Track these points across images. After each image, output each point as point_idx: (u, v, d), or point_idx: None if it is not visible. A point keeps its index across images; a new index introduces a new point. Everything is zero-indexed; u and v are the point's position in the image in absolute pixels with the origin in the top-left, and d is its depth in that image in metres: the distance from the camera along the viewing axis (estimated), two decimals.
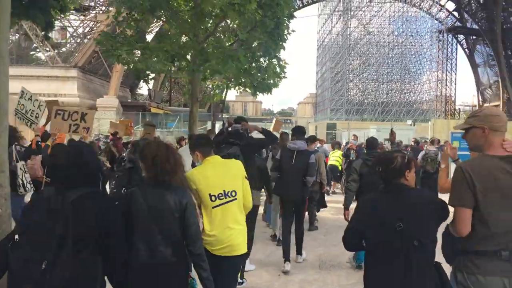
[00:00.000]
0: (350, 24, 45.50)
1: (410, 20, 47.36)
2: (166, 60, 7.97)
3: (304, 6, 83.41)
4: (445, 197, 2.96)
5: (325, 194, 10.65)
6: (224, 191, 3.88)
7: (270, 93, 10.62)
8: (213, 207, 3.84)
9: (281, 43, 8.34)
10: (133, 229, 2.96)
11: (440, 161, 5.03)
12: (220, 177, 3.93)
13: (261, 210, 8.21)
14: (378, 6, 47.19)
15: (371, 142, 7.25)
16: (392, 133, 13.36)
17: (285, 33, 8.53)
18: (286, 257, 6.58)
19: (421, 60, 49.18)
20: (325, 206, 10.29)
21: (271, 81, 9.50)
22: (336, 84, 45.98)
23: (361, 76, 49.29)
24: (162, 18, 8.87)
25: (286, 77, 10.06)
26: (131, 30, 8.68)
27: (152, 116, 36.15)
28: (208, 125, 28.52)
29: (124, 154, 7.62)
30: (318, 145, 15.78)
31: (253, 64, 8.96)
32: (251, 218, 5.57)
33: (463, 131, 2.97)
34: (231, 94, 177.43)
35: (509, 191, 2.64)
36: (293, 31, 9.19)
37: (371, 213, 3.06)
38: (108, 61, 38.74)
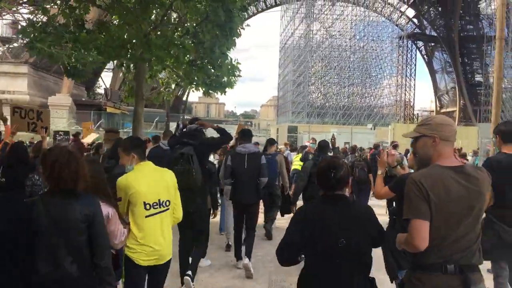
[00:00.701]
0: (313, 27, 45.45)
1: (371, 25, 47.83)
2: (104, 53, 7.16)
3: (267, 8, 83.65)
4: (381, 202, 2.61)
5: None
6: (159, 200, 3.74)
7: (224, 94, 9.96)
8: (146, 216, 3.68)
9: (233, 38, 7.63)
10: (36, 242, 2.74)
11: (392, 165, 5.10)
12: (155, 185, 3.76)
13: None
14: (340, 10, 47.39)
15: (323, 145, 7.45)
16: (332, 137, 13.65)
17: (239, 27, 7.87)
18: (238, 255, 6.54)
19: (382, 65, 49.74)
20: (289, 212, 9.57)
21: (225, 79, 8.80)
22: (298, 86, 45.83)
23: (322, 79, 49.38)
24: (102, 6, 7.96)
25: (241, 76, 9.42)
26: (66, 20, 7.78)
27: (108, 116, 34.88)
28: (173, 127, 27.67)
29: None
30: (283, 147, 15.36)
31: (205, 60, 8.26)
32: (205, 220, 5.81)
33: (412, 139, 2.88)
34: (194, 96, 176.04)
35: (461, 202, 2.57)
36: (247, 25, 8.64)
37: (310, 225, 2.89)
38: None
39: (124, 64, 8.34)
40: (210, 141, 6.02)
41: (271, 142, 8.78)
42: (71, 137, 14.92)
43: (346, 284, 2.83)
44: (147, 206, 3.68)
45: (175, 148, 5.38)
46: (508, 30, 54.72)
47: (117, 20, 8.00)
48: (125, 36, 7.71)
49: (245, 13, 8.06)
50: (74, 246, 2.77)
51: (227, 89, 9.72)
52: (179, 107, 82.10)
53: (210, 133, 6.93)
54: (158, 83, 10.53)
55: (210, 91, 9.03)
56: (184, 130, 5.67)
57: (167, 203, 3.80)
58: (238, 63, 9.28)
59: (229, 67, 8.64)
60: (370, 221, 2.96)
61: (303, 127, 34.03)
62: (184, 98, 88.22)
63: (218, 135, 5.89)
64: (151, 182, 3.74)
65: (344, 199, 2.99)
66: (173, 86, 9.71)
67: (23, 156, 4.84)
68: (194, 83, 8.80)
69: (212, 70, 8.36)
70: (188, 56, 8.06)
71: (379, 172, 4.63)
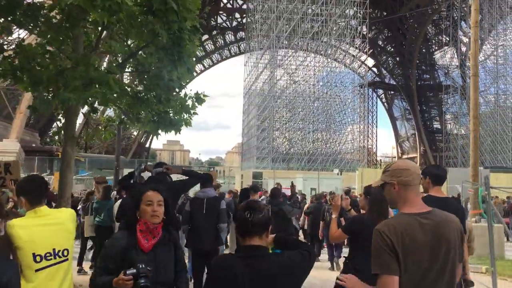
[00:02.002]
0: (276, 73, 45.39)
1: (334, 71, 48.29)
2: (19, 81, 5.83)
3: (232, 56, 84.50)
4: None
5: None
6: (54, 249, 3.31)
7: (179, 132, 8.67)
8: (36, 270, 3.21)
9: (185, 66, 6.41)
10: None
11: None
12: (50, 232, 3.34)
13: None
14: (303, 57, 47.76)
15: (274, 192, 7.75)
16: (292, 185, 13.34)
17: (191, 53, 6.70)
18: None
19: (345, 111, 50.05)
20: None
21: (177, 117, 7.54)
22: (262, 132, 45.16)
23: (287, 124, 49.05)
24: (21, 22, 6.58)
25: (197, 113, 8.14)
26: None
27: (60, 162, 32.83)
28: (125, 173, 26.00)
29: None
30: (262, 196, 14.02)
31: (152, 93, 7.02)
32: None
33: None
34: (157, 142, 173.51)
35: (429, 250, 2.46)
36: (201, 44, 7.55)
37: (222, 283, 2.64)
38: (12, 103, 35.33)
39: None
40: (179, 185, 5.72)
41: (254, 189, 8.56)
42: None
43: None
44: (38, 258, 3.22)
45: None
46: (463, 79, 56.69)
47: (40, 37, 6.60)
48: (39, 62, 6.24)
49: (197, 35, 6.85)
50: None
51: (181, 127, 8.41)
52: (142, 154, 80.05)
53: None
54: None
55: (159, 131, 7.68)
56: (151, 175, 5.45)
57: (65, 253, 3.37)
58: (204, 95, 8.03)
59: (180, 102, 7.37)
60: (292, 276, 2.69)
61: (268, 173, 33.06)
62: (147, 145, 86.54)
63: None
64: (44, 229, 3.32)
65: (260, 251, 2.69)
66: (116, 122, 8.34)
67: None
68: (137, 121, 7.48)
69: (160, 105, 7.05)
70: (132, 87, 6.83)
71: (333, 216, 4.69)
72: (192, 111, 7.89)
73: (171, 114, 7.51)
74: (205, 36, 76.54)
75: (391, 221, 2.58)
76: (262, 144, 44.67)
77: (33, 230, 3.24)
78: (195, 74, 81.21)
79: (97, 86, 5.51)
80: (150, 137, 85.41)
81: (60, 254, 3.32)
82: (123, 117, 8.11)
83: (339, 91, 48.14)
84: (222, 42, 79.88)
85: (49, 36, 6.19)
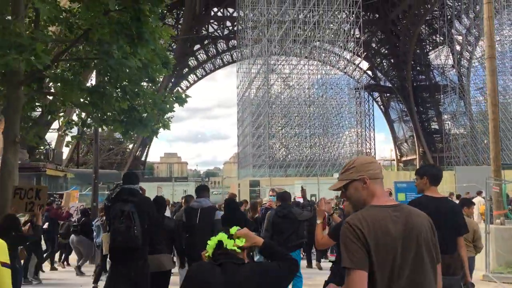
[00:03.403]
0: (270, 78, 44.33)
1: (328, 73, 47.31)
2: None
3: (224, 65, 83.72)
4: None
5: None
6: None
7: (155, 136, 7.47)
8: None
9: (150, 47, 5.18)
10: None
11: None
12: None
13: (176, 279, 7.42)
14: (297, 60, 46.75)
15: (283, 196, 7.85)
16: (302, 190, 13.54)
17: (156, 33, 5.47)
18: None
19: (341, 116, 49.12)
20: None
21: (146, 115, 6.31)
22: (258, 139, 43.98)
23: (283, 130, 47.90)
24: None
25: (174, 112, 6.94)
26: None
27: (49, 179, 31.52)
28: None
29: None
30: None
31: (116, 87, 5.79)
32: (163, 283, 5.83)
33: (341, 190, 2.71)
34: (155, 155, 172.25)
35: (401, 243, 2.35)
36: (173, 39, 6.44)
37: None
38: None
39: None
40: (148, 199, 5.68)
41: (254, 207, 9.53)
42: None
43: None
44: None
45: (115, 205, 5.14)
46: (460, 78, 56.02)
47: None
48: None
49: (160, 7, 5.61)
50: None
51: (158, 130, 7.21)
52: (138, 167, 78.73)
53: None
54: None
55: (129, 132, 6.44)
56: (122, 187, 5.34)
57: None
58: (186, 95, 6.91)
59: (151, 98, 6.15)
60: (265, 283, 2.66)
61: (265, 180, 31.82)
62: (143, 158, 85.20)
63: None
64: None
65: (236, 259, 2.71)
66: (78, 124, 7.05)
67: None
68: (102, 122, 6.25)
69: (127, 103, 5.80)
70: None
71: (318, 221, 4.64)
72: (168, 112, 6.71)
73: (140, 112, 6.26)
74: (197, 46, 75.90)
75: (362, 213, 2.47)
76: (258, 151, 43.49)
77: None
78: (187, 84, 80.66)
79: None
80: (146, 150, 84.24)
81: None
82: (86, 117, 6.87)
83: (334, 94, 47.19)
84: (214, 51, 79.15)
85: None
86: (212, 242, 2.84)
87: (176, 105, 6.82)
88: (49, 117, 6.77)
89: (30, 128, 6.44)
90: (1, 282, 3.36)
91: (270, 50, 43.14)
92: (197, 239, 6.31)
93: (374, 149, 79.98)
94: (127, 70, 5.20)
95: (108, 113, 6.09)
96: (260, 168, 41.50)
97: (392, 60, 78.67)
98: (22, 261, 9.50)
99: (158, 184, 29.10)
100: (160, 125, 7.20)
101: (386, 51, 78.59)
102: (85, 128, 7.20)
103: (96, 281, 9.91)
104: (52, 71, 5.83)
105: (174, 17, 70.67)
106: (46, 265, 12.37)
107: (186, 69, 77.48)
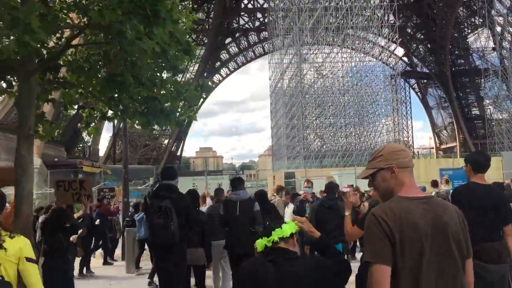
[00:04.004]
0: (303, 68, 43.48)
1: (363, 60, 46.06)
2: None
3: (256, 57, 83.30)
4: None
5: None
6: None
7: (181, 127, 7.05)
8: None
9: (167, 28, 4.69)
10: None
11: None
12: None
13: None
14: (329, 49, 45.68)
15: (331, 186, 7.64)
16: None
17: (175, 13, 4.97)
18: None
19: (377, 103, 47.82)
20: None
21: (167, 105, 5.87)
22: (292, 130, 43.28)
23: (317, 120, 47.00)
24: None
25: (200, 102, 6.47)
26: None
27: (86, 176, 32.04)
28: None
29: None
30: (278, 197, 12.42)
31: (131, 75, 5.35)
32: (199, 280, 6.17)
33: (368, 179, 2.61)
34: (190, 151, 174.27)
35: (428, 239, 2.23)
36: (204, 33, 5.91)
37: (249, 286, 2.66)
38: None
39: None
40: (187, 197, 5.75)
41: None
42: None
43: None
44: None
45: (153, 201, 5.18)
46: (501, 60, 53.76)
47: None
48: None
49: None
50: None
51: (184, 122, 6.77)
52: (174, 162, 79.63)
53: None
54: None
55: (151, 124, 6.02)
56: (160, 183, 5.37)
57: None
58: (212, 82, 6.52)
59: (173, 86, 5.70)
60: (322, 281, 2.59)
61: (300, 172, 31.20)
62: (179, 153, 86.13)
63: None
64: None
65: (288, 254, 2.70)
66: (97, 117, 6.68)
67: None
68: (122, 113, 5.86)
69: (142, 88, 5.37)
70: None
71: (347, 213, 4.66)
72: (193, 103, 6.25)
73: (161, 102, 5.82)
74: (229, 39, 75.82)
75: (389, 205, 2.35)
76: (292, 143, 42.84)
77: None
78: (220, 78, 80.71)
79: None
80: (181, 145, 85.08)
81: None
82: (105, 109, 6.49)
83: (369, 82, 45.91)
84: (246, 43, 78.88)
85: None
86: (262, 240, 2.83)
87: (206, 100, 6.38)
88: (64, 109, 6.42)
89: (45, 122, 6.12)
90: (28, 276, 3.47)
91: (301, 40, 42.25)
92: (236, 232, 6.40)
93: (412, 137, 78.20)
94: (143, 55, 4.73)
95: (127, 103, 5.68)
96: (294, 160, 40.89)
97: (428, 45, 76.37)
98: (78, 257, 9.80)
99: (192, 179, 28.99)
100: (186, 116, 6.77)
101: (422, 36, 76.29)
102: (106, 121, 6.86)
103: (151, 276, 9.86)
104: (66, 59, 5.48)
105: (205, 11, 70.67)
106: (96, 261, 12.47)
107: (218, 63, 77.54)
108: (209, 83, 6.49)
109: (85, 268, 11.02)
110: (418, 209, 2.31)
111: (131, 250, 11.22)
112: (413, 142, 78.27)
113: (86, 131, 6.80)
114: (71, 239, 6.96)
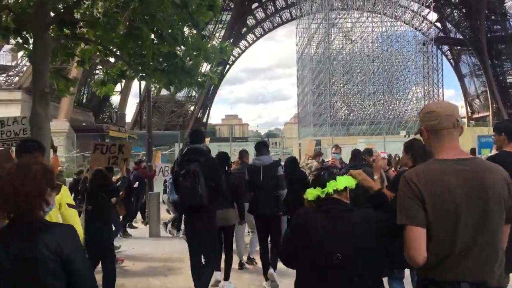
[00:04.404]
0: (331, 33, 42.33)
1: (394, 25, 44.51)
2: None
3: (283, 23, 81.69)
4: None
5: None
6: None
7: (201, 88, 6.80)
8: None
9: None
10: None
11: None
12: None
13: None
14: (359, 13, 44.23)
15: (356, 153, 7.41)
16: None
17: None
18: (266, 270, 6.42)
19: (407, 70, 46.49)
20: None
21: (190, 63, 5.58)
22: (319, 97, 42.60)
23: (345, 87, 46.04)
24: None
25: (226, 60, 6.15)
26: None
27: (113, 140, 32.49)
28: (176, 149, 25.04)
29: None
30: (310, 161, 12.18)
31: (152, 28, 5.05)
32: (225, 240, 6.28)
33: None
34: (216, 118, 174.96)
35: (464, 202, 2.17)
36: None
37: (299, 233, 2.67)
38: None
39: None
40: (216, 159, 5.94)
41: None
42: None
43: None
44: None
45: (182, 164, 5.28)
46: None
47: None
48: None
49: None
50: None
51: (205, 82, 6.51)
52: (200, 129, 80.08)
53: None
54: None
55: (173, 82, 5.76)
56: (188, 147, 5.49)
57: None
58: (229, 45, 6.30)
59: (195, 43, 5.39)
60: (373, 233, 2.54)
61: (326, 140, 30.73)
62: (205, 120, 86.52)
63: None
64: None
65: (341, 205, 2.70)
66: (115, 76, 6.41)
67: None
68: (141, 71, 5.60)
69: (163, 43, 5.08)
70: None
71: (375, 177, 4.64)
72: (214, 61, 5.95)
73: (182, 59, 5.53)
74: (255, 4, 74.35)
75: (421, 168, 2.33)
76: (319, 110, 42.20)
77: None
78: (246, 44, 79.73)
79: None
80: (207, 112, 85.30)
81: None
82: (124, 68, 6.23)
83: (400, 48, 44.46)
84: (273, 8, 77.24)
85: None
86: (314, 190, 2.79)
87: (232, 67, 6.08)
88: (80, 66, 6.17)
89: (60, 79, 5.89)
90: (72, 221, 3.73)
91: (330, 4, 41.02)
92: (261, 196, 6.43)
93: None
94: (161, 6, 4.41)
95: (147, 60, 5.40)
96: (321, 127, 40.39)
97: (463, 10, 73.26)
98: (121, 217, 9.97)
99: (217, 145, 28.97)
100: (207, 78, 6.49)
101: (457, 0, 73.15)
102: (123, 80, 6.60)
103: (173, 224, 10.03)
104: (83, 12, 5.20)
105: None
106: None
107: (245, 29, 76.42)
108: (229, 47, 6.12)
109: (127, 228, 11.22)
110: (452, 170, 2.23)
111: (155, 213, 11.20)
112: None
113: (97, 90, 6.53)
114: (112, 201, 7.15)
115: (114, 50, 5.63)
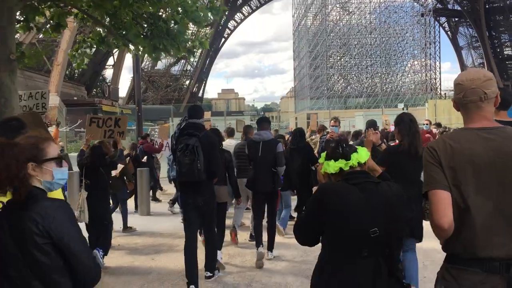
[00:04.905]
0: (328, 4, 41.32)
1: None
2: None
3: None
4: None
5: None
6: None
7: (191, 56, 6.29)
8: None
9: None
10: None
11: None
12: None
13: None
14: None
15: (372, 122, 7.03)
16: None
17: None
18: (258, 243, 6.37)
19: (405, 42, 45.73)
20: None
21: (175, 27, 5.05)
22: (315, 70, 41.85)
23: (342, 60, 45.25)
24: None
25: (209, 23, 5.59)
26: None
27: (106, 115, 31.95)
28: (174, 123, 24.51)
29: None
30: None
31: None
32: (219, 217, 6.06)
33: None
34: (212, 92, 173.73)
35: (488, 171, 2.11)
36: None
37: (326, 208, 2.53)
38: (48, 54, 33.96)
39: None
40: (215, 134, 6.09)
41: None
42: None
43: (375, 278, 2.43)
44: None
45: (180, 139, 5.20)
46: None
47: None
48: None
49: None
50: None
51: (195, 49, 5.99)
52: (196, 103, 79.34)
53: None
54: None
55: (157, 49, 5.23)
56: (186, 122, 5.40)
57: None
58: (223, 7, 5.79)
59: (180, 2, 4.84)
60: (403, 205, 2.62)
61: (324, 113, 30.27)
62: (200, 95, 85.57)
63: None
64: None
65: (368, 175, 2.64)
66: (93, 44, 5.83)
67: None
68: (122, 37, 5.06)
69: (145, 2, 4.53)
70: None
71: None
72: (203, 22, 5.41)
73: (167, 22, 4.97)
74: None
75: (445, 136, 2.32)
76: (315, 83, 41.54)
77: None
78: (242, 17, 78.18)
79: None
80: (203, 87, 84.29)
81: None
82: (103, 34, 5.66)
83: (398, 19, 43.56)
84: None
85: None
86: (336, 163, 2.68)
87: (227, 41, 5.49)
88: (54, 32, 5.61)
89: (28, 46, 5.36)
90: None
91: None
92: (260, 172, 6.42)
93: (440, 78, 75.72)
94: None
95: (128, 23, 4.84)
96: (318, 101, 39.84)
97: None
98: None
99: (213, 119, 28.39)
100: (197, 43, 5.95)
101: None
102: (102, 47, 6.05)
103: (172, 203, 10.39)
104: None
105: None
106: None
107: (240, 1, 74.85)
108: (221, 7, 5.60)
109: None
110: (476, 138, 2.19)
111: (145, 190, 10.78)
112: (440, 84, 75.96)
113: (74, 62, 5.99)
114: (113, 173, 7.18)
115: (90, 11, 5.04)
